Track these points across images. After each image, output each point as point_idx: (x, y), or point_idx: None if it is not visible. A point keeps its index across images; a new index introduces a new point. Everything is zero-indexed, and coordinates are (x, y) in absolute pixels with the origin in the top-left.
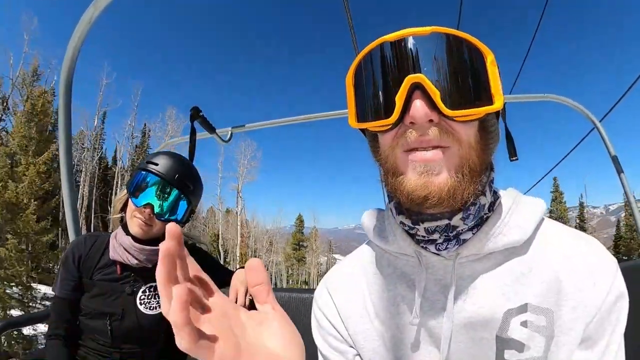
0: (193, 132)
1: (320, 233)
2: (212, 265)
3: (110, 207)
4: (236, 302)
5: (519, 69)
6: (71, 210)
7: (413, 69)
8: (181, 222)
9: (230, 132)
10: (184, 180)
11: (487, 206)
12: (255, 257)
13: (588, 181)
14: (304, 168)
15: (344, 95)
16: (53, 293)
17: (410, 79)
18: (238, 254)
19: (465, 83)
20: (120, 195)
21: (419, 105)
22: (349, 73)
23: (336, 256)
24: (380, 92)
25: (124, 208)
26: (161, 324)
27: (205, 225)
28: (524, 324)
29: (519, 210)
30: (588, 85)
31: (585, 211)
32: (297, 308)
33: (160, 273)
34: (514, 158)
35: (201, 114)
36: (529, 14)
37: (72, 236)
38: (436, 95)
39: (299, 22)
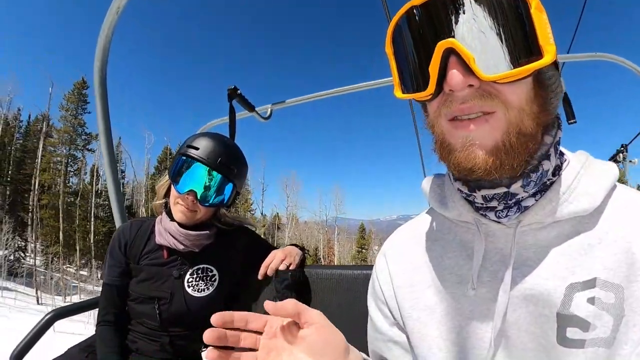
0: (232, 112)
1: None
2: (260, 243)
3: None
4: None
5: (575, 27)
6: (116, 199)
7: (444, 33)
8: (226, 206)
9: (270, 110)
10: (227, 164)
11: (550, 171)
12: (334, 254)
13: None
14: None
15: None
16: None
17: (441, 46)
18: (336, 255)
19: (505, 39)
20: (162, 181)
21: (455, 73)
22: (386, 43)
23: None
24: (415, 62)
25: (167, 194)
26: (209, 306)
27: (298, 237)
28: (591, 300)
29: (588, 175)
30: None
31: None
32: (349, 284)
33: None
34: (572, 120)
35: (239, 92)
36: None
37: (118, 223)
38: (470, 60)
39: None
